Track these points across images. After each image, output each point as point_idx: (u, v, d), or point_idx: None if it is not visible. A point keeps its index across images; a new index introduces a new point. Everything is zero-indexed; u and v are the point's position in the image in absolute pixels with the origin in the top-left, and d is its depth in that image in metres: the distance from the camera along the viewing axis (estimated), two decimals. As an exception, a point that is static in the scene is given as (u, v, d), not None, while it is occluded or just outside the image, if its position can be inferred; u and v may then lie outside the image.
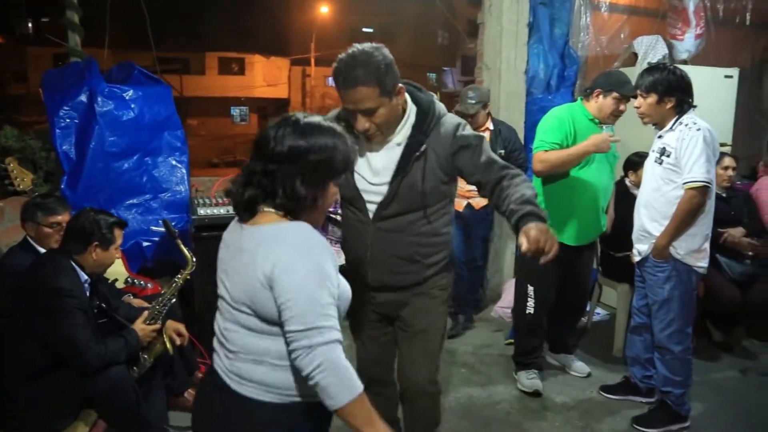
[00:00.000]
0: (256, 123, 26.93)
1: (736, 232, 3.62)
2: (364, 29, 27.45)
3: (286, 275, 1.26)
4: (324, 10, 23.27)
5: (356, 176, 1.95)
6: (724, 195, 3.74)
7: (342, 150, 1.38)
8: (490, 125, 3.82)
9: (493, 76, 4.48)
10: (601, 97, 2.99)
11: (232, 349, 1.38)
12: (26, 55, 20.84)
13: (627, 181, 3.71)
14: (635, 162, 3.62)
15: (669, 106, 2.67)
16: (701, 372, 3.42)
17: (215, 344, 1.46)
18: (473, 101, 3.70)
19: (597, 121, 3.04)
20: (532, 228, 1.69)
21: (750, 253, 3.61)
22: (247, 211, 1.38)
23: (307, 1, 22.23)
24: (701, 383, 3.29)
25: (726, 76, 4.31)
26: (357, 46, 1.79)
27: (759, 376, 3.52)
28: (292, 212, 1.36)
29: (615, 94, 2.95)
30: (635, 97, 2.85)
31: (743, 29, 5.32)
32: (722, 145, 4.20)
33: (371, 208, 1.95)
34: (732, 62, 4.62)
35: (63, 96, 3.43)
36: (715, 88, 4.27)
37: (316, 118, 1.42)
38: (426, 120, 1.91)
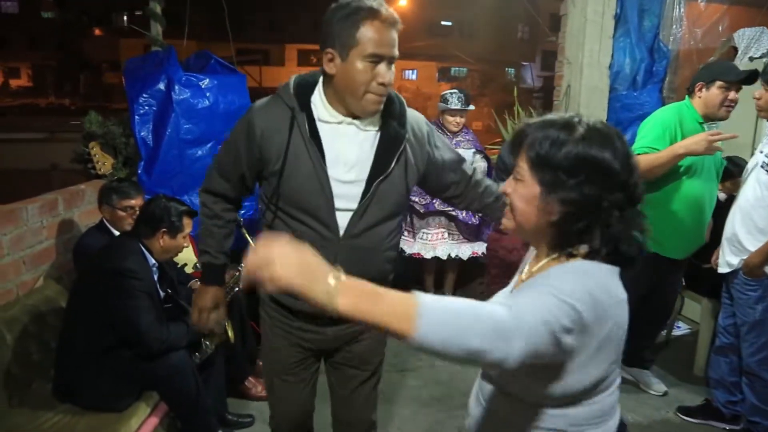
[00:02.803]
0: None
1: None
2: (443, 22, 27.20)
3: None
4: (402, 2, 23.21)
5: (328, 172, 1.51)
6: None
7: None
8: None
9: (574, 71, 4.25)
10: (704, 90, 2.66)
11: None
12: (119, 46, 22.07)
13: (719, 190, 3.38)
14: (728, 170, 3.21)
15: None
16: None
17: None
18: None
19: (703, 121, 2.70)
20: None
21: None
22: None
23: (386, -6, 22.21)
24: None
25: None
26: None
27: None
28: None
29: (720, 83, 2.61)
30: (746, 83, 2.53)
31: None
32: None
33: (341, 220, 1.54)
34: None
35: (143, 84, 3.53)
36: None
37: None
38: (395, 104, 1.60)
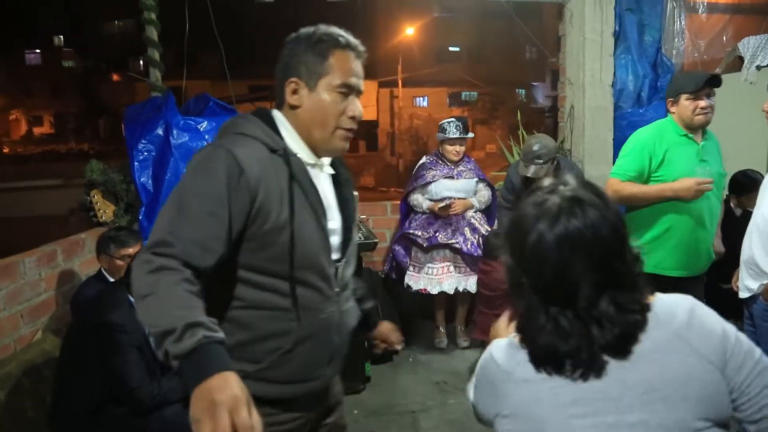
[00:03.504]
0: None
1: None
2: (451, 48, 27.43)
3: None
4: (410, 31, 23.51)
5: (323, 225, 1.34)
6: None
7: None
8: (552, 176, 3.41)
9: (576, 91, 4.20)
10: (675, 105, 2.70)
11: None
12: (135, 91, 22.62)
13: (731, 203, 3.26)
14: (742, 185, 3.11)
15: None
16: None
17: None
18: (541, 161, 3.13)
19: (690, 135, 2.69)
20: None
21: None
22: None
23: (393, 24, 22.55)
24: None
25: None
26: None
27: None
28: None
29: (685, 95, 2.65)
30: (715, 85, 2.59)
31: None
32: None
33: (334, 271, 1.39)
34: None
35: (142, 129, 3.55)
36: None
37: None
38: None
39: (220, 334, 1.07)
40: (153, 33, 3.90)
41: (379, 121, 27.10)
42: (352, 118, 1.36)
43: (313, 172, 1.36)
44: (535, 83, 26.42)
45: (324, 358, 1.40)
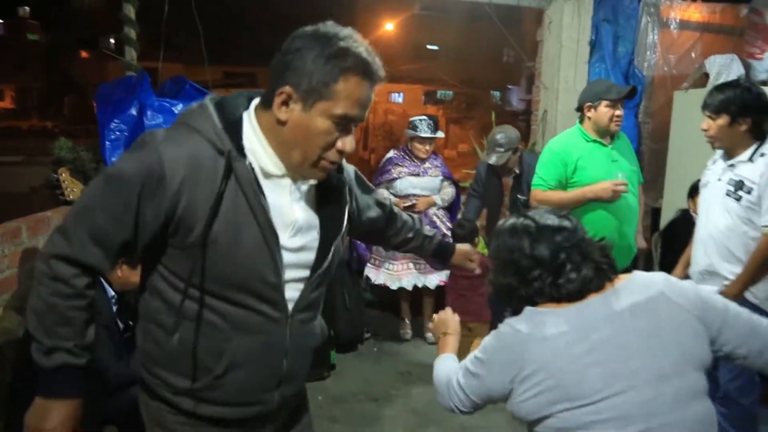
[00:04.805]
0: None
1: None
2: (429, 46, 27.51)
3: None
4: (389, 27, 23.49)
5: (270, 243, 1.19)
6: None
7: None
8: (517, 168, 3.55)
9: (550, 96, 4.29)
10: (593, 109, 2.86)
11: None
12: (107, 69, 22.07)
13: (690, 208, 3.40)
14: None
15: (743, 128, 2.34)
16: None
17: None
18: (502, 150, 3.44)
19: (598, 140, 2.88)
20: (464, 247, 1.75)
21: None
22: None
23: (372, 19, 22.50)
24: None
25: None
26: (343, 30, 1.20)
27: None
28: None
29: (605, 102, 2.82)
30: (628, 98, 2.84)
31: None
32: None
33: (290, 293, 1.25)
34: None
35: (114, 108, 3.50)
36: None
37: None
38: None
39: (78, 360, 1.18)
40: (131, 11, 3.83)
41: (353, 115, 27.01)
42: (341, 152, 1.19)
43: (276, 182, 1.21)
44: (510, 86, 26.72)
45: (269, 384, 1.29)
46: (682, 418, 1.19)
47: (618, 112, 2.83)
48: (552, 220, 1.35)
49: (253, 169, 1.17)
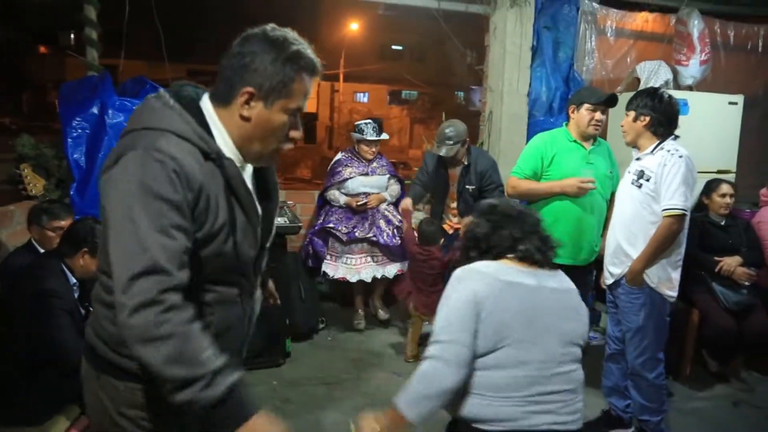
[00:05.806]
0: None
1: (732, 261, 3.56)
2: (394, 47, 27.75)
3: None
4: (354, 27, 23.64)
5: (254, 224, 1.37)
6: (722, 223, 3.71)
7: None
8: (465, 159, 3.74)
9: (495, 98, 4.56)
10: (575, 112, 3.11)
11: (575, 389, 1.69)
12: (65, 65, 21.62)
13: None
14: None
15: (642, 124, 2.70)
16: (692, 401, 3.40)
17: (545, 407, 1.64)
18: (451, 142, 3.61)
19: (578, 142, 3.12)
20: None
21: (746, 282, 3.54)
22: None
23: (337, 18, 22.61)
24: (691, 413, 3.26)
25: (730, 103, 4.29)
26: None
27: (751, 408, 3.45)
28: None
29: (587, 105, 3.06)
30: (608, 105, 3.04)
31: (755, 55, 5.28)
32: (725, 172, 4.19)
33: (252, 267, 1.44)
34: (743, 89, 4.56)
35: (77, 107, 3.62)
36: (720, 114, 4.24)
37: None
38: None
39: (237, 374, 1.18)
40: (92, 12, 3.94)
41: (319, 114, 27.08)
42: (293, 140, 1.35)
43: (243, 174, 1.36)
44: (474, 87, 27.12)
45: (236, 347, 1.44)
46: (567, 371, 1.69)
47: (597, 116, 3.05)
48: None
49: (236, 166, 1.30)
